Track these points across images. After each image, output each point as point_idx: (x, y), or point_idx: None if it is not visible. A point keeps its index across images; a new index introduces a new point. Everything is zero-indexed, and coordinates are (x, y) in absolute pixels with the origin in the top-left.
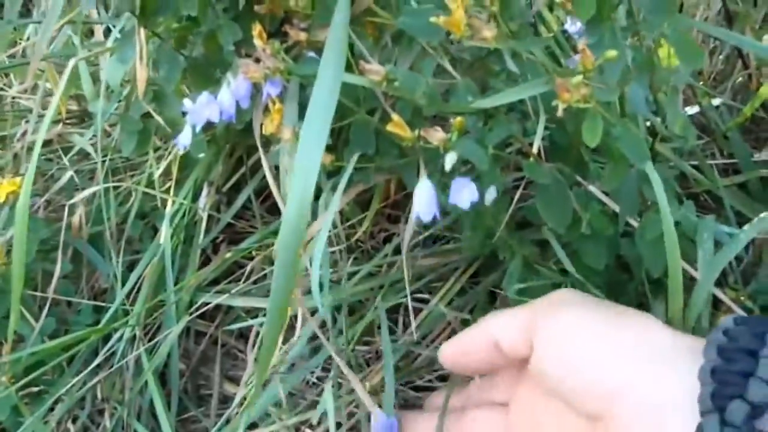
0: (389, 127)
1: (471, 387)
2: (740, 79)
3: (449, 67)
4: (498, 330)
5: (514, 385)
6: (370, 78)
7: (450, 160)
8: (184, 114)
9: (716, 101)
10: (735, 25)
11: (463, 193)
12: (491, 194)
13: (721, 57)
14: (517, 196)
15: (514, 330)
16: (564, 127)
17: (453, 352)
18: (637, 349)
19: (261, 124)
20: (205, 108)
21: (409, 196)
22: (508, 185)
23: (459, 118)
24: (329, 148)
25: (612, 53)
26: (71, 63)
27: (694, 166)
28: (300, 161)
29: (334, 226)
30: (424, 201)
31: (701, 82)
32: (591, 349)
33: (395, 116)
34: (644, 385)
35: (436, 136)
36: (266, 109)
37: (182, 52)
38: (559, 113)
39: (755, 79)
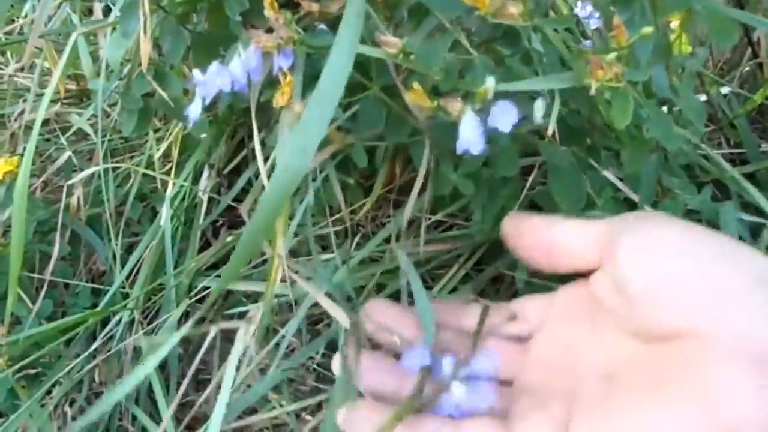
0: (408, 96)
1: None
2: (748, 68)
3: (466, 43)
4: (565, 234)
5: (540, 316)
6: (386, 50)
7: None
8: (186, 92)
9: (725, 90)
10: (745, 11)
11: (504, 118)
12: (539, 108)
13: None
14: (529, 182)
15: (588, 235)
16: (578, 111)
17: (513, 228)
18: (748, 271)
19: (258, 100)
20: (216, 79)
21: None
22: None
23: (483, 87)
24: (338, 127)
25: (647, 30)
26: (72, 38)
27: (702, 156)
28: (303, 128)
29: (338, 210)
30: (471, 133)
31: (709, 71)
32: (694, 261)
33: (415, 84)
34: (752, 305)
35: (456, 106)
36: (275, 83)
37: (186, 26)
38: (592, 92)
39: (765, 68)
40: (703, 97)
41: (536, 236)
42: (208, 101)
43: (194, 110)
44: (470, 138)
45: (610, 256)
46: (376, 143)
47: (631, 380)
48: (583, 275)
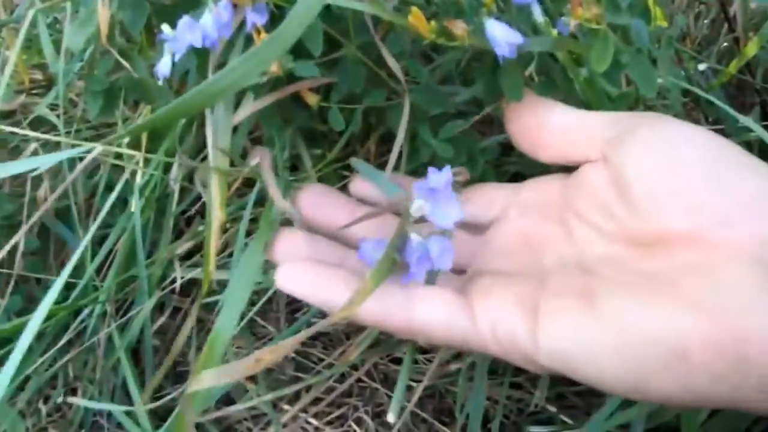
0: (410, 19)
1: None
2: (726, 43)
3: None
4: (563, 118)
5: (502, 205)
6: None
7: None
8: (152, 71)
9: (702, 66)
10: None
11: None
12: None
13: (706, 21)
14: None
15: (590, 125)
16: (553, 78)
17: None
18: (762, 181)
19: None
20: (186, 33)
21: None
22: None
23: None
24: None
25: None
26: (28, 16)
27: None
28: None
29: None
30: (502, 31)
31: (687, 47)
32: (708, 165)
33: (414, 9)
34: (766, 222)
35: (460, 26)
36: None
37: None
38: (572, 28)
39: (742, 43)
40: (681, 73)
41: (531, 115)
42: (177, 57)
43: (163, 66)
44: (504, 35)
45: (616, 151)
46: (356, 106)
47: (617, 278)
48: (560, 170)
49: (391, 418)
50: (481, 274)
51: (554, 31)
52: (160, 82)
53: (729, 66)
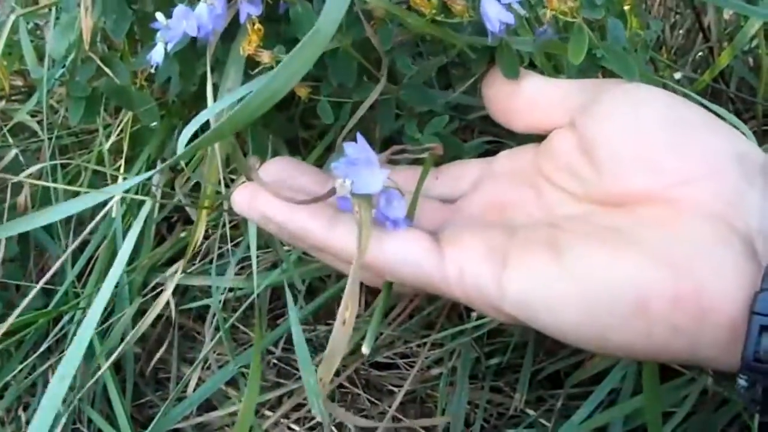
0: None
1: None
2: (701, 53)
3: None
4: (532, 86)
5: (475, 178)
6: None
7: None
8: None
9: (677, 75)
10: None
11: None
12: None
13: (681, 31)
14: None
15: (558, 93)
16: None
17: (486, 78)
18: (727, 145)
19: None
20: (181, 22)
21: None
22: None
23: None
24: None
25: None
26: (9, 20)
27: None
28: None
29: None
30: (496, 9)
31: (663, 56)
32: (674, 127)
33: None
34: (730, 177)
35: (460, 2)
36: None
37: (131, 5)
38: (547, 18)
39: (716, 53)
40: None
41: (504, 82)
42: (171, 47)
43: (157, 54)
44: (498, 13)
45: (582, 117)
46: (346, 100)
47: (583, 230)
48: (532, 140)
49: (365, 349)
50: (450, 226)
51: None
52: (152, 70)
53: (704, 75)
